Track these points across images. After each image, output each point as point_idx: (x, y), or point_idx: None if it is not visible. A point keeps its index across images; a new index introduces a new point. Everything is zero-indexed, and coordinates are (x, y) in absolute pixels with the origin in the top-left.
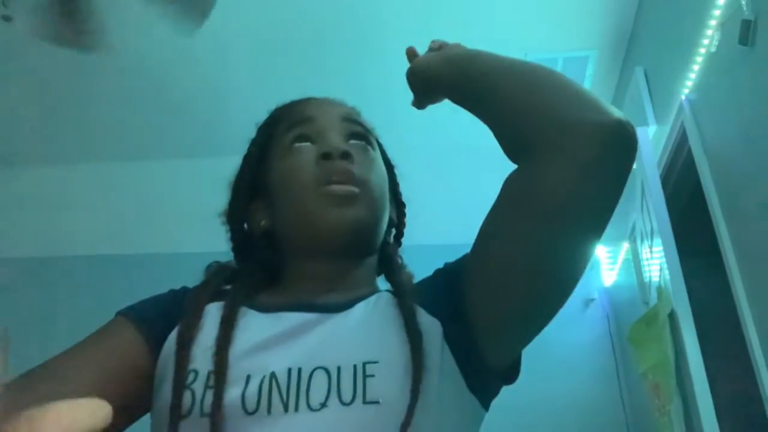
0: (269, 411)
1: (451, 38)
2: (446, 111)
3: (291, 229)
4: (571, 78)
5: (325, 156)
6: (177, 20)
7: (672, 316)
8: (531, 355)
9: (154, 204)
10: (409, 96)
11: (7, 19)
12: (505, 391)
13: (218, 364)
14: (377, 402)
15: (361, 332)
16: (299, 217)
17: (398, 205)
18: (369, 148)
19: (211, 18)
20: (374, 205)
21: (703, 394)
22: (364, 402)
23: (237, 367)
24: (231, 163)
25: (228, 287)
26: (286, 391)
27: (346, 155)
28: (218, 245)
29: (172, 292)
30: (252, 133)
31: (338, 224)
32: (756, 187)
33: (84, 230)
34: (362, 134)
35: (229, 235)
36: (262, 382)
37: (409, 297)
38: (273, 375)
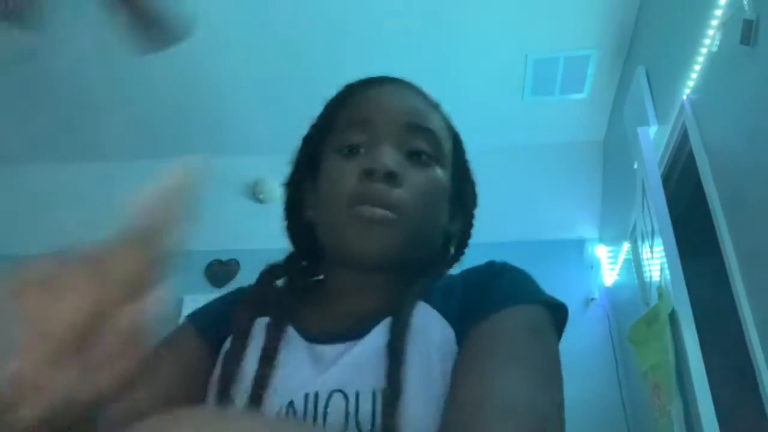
0: None
1: (452, 37)
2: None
3: (325, 237)
4: (572, 80)
5: (368, 173)
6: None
7: (673, 316)
8: None
9: None
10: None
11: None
12: None
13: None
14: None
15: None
16: (330, 230)
17: (465, 217)
18: (428, 166)
19: (210, 18)
20: (412, 232)
21: (704, 394)
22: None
23: (269, 403)
24: (231, 163)
25: (278, 291)
26: (303, 417)
27: (390, 176)
28: (218, 244)
29: (229, 296)
30: (252, 133)
31: (363, 249)
32: (757, 187)
33: (75, 228)
34: (423, 151)
35: (284, 211)
36: (278, 412)
37: (404, 318)
38: (290, 404)
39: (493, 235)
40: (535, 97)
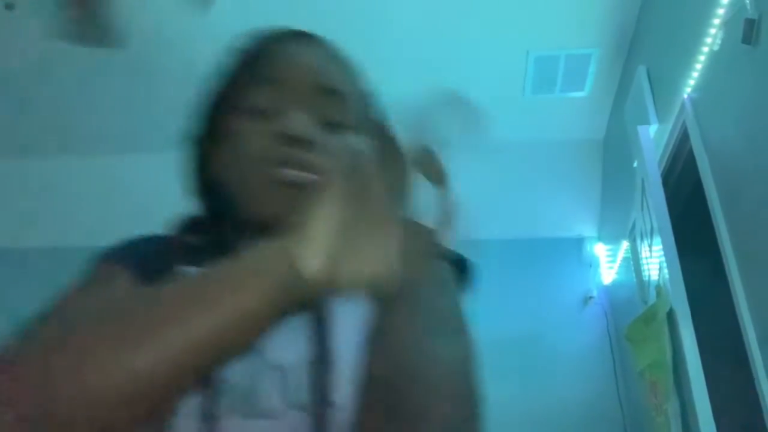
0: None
1: (452, 36)
2: None
3: (234, 199)
4: (573, 78)
5: (283, 138)
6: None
7: (670, 315)
8: (529, 352)
9: (146, 198)
10: (406, 93)
11: (9, 7)
12: (504, 388)
13: None
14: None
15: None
16: (241, 192)
17: None
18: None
19: (211, 14)
20: None
21: (701, 393)
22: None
23: None
24: None
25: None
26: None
27: (309, 144)
28: None
29: (151, 240)
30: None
31: (284, 212)
32: (757, 187)
33: (77, 223)
34: (338, 122)
35: (187, 170)
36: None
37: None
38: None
39: (491, 232)
40: (536, 95)
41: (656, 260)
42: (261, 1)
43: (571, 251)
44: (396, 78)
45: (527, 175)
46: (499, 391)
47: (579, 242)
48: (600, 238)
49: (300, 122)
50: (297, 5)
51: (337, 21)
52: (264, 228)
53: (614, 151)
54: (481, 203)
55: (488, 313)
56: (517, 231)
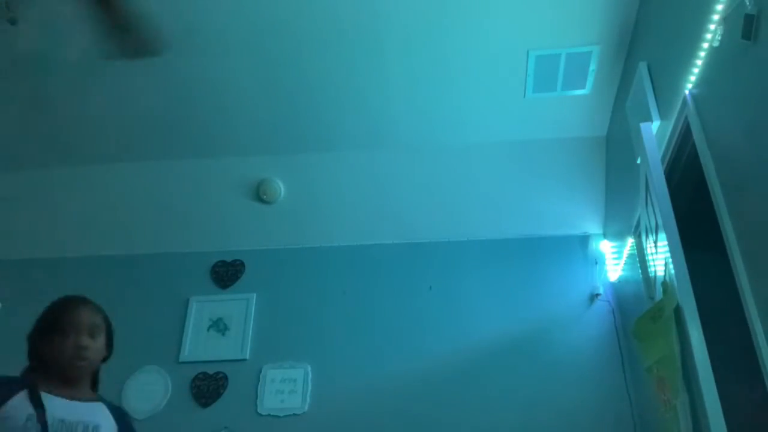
0: None
1: (454, 34)
2: (444, 110)
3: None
4: (574, 76)
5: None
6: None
7: (677, 311)
8: (537, 350)
9: (149, 205)
10: (408, 92)
11: (13, 22)
12: (512, 385)
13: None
14: None
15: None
16: (54, 366)
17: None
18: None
19: (213, 19)
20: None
21: (709, 388)
22: None
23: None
24: (235, 164)
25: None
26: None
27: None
28: (222, 245)
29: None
30: (251, 132)
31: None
32: (760, 181)
33: (82, 232)
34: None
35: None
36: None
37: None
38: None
39: (496, 231)
40: (538, 94)
41: (662, 256)
42: None
43: (576, 249)
44: (392, 81)
45: (531, 174)
46: (507, 388)
47: (584, 240)
48: (605, 235)
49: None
50: (297, 13)
51: (336, 19)
52: (64, 376)
53: (617, 148)
54: (485, 203)
55: (496, 312)
56: (522, 230)
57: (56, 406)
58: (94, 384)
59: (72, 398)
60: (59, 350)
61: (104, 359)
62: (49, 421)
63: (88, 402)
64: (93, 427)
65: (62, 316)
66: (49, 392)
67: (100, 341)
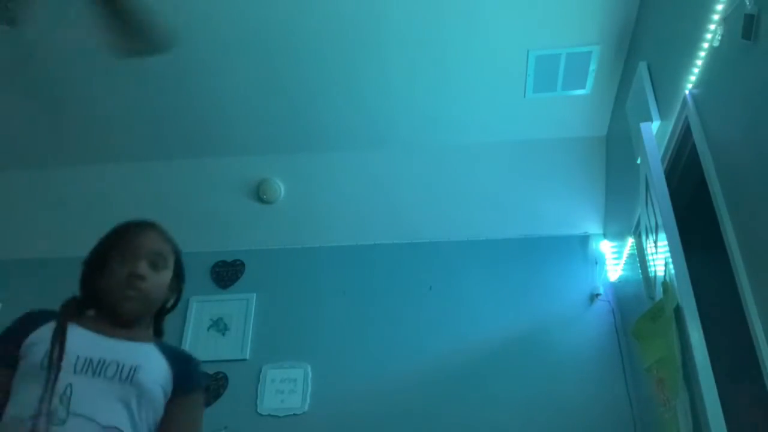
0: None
1: (454, 35)
2: (444, 110)
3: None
4: (574, 76)
5: (132, 274)
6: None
7: (677, 311)
8: (538, 349)
9: (149, 204)
10: (408, 92)
11: (11, 23)
12: (513, 385)
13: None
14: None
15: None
16: (107, 298)
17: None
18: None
19: (213, 18)
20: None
21: (709, 389)
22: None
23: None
24: (235, 164)
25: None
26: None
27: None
28: (222, 245)
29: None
30: (251, 132)
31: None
32: (760, 181)
33: (82, 231)
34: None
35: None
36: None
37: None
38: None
39: (496, 231)
40: (538, 94)
41: (662, 256)
42: None
43: (576, 249)
44: (392, 81)
45: (531, 174)
46: (507, 388)
47: (584, 240)
48: (605, 235)
49: (141, 266)
50: (297, 12)
51: (337, 19)
52: (114, 312)
53: (617, 148)
54: (485, 203)
55: (496, 312)
56: (522, 230)
57: (84, 342)
58: (159, 333)
59: (113, 336)
60: (112, 279)
61: (171, 306)
62: (71, 360)
63: (135, 342)
64: (130, 367)
65: (121, 239)
66: (89, 329)
67: (165, 276)
